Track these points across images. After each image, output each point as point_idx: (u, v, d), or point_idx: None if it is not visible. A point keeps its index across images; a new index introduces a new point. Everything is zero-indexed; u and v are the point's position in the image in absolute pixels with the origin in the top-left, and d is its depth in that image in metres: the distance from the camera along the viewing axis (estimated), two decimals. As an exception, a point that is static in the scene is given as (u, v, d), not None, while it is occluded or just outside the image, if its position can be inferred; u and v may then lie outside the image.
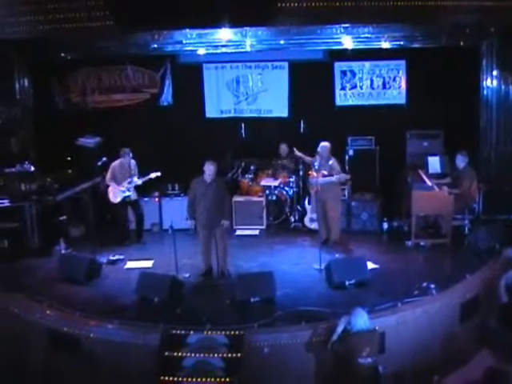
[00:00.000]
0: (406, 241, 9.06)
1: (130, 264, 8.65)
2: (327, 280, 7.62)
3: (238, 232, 10.33)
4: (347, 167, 10.64)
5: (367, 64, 11.34)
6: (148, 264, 8.56)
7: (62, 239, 9.24)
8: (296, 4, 7.61)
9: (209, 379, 5.96)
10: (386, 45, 9.85)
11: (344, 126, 11.11)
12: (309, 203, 10.01)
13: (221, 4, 7.30)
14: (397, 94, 11.38)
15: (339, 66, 11.44)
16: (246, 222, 10.44)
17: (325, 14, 7.79)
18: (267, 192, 10.63)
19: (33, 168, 9.64)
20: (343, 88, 11.51)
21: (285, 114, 11.72)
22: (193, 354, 6.15)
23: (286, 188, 10.65)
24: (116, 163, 9.51)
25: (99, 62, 11.52)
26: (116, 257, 8.80)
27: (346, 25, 8.49)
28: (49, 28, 7.95)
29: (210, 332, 6.32)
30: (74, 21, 7.82)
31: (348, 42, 9.57)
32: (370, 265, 7.95)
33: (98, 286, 7.86)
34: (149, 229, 10.29)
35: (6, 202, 9.20)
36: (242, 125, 11.53)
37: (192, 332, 6.34)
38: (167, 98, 11.88)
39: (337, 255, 8.65)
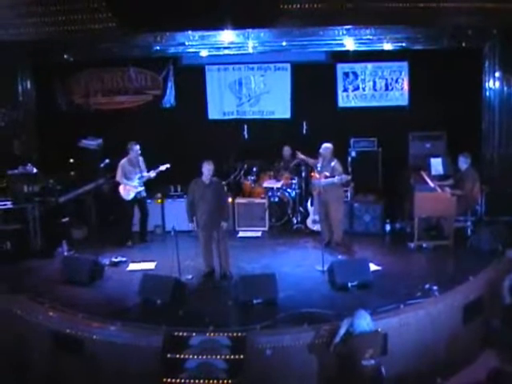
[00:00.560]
0: (408, 242, 9.02)
1: (132, 266, 8.65)
2: (330, 282, 7.60)
3: (241, 234, 10.33)
4: (350, 169, 10.61)
5: (369, 66, 11.33)
6: (150, 266, 8.56)
7: (65, 241, 9.26)
8: (298, 6, 7.61)
9: (211, 381, 5.95)
10: (388, 46, 9.88)
11: (346, 128, 11.11)
12: (311, 205, 9.99)
13: (223, 6, 7.28)
14: (399, 95, 11.37)
15: (341, 68, 11.43)
16: (249, 224, 10.44)
17: (327, 15, 7.82)
18: (270, 194, 10.63)
19: (35, 170, 9.63)
20: (345, 89, 11.51)
21: (287, 115, 11.73)
22: (195, 356, 6.15)
23: (289, 190, 10.64)
24: (124, 160, 9.50)
25: (102, 64, 11.52)
26: (118, 258, 8.79)
27: (348, 26, 8.54)
28: (52, 30, 7.99)
29: (212, 334, 6.31)
30: (76, 23, 7.86)
31: (350, 44, 9.61)
32: (373, 266, 7.93)
33: (101, 288, 7.85)
34: (151, 230, 10.28)
35: (8, 204, 9.20)
36: (245, 126, 11.52)
37: (194, 334, 6.33)
38: (170, 99, 11.89)
39: (339, 257, 8.65)
